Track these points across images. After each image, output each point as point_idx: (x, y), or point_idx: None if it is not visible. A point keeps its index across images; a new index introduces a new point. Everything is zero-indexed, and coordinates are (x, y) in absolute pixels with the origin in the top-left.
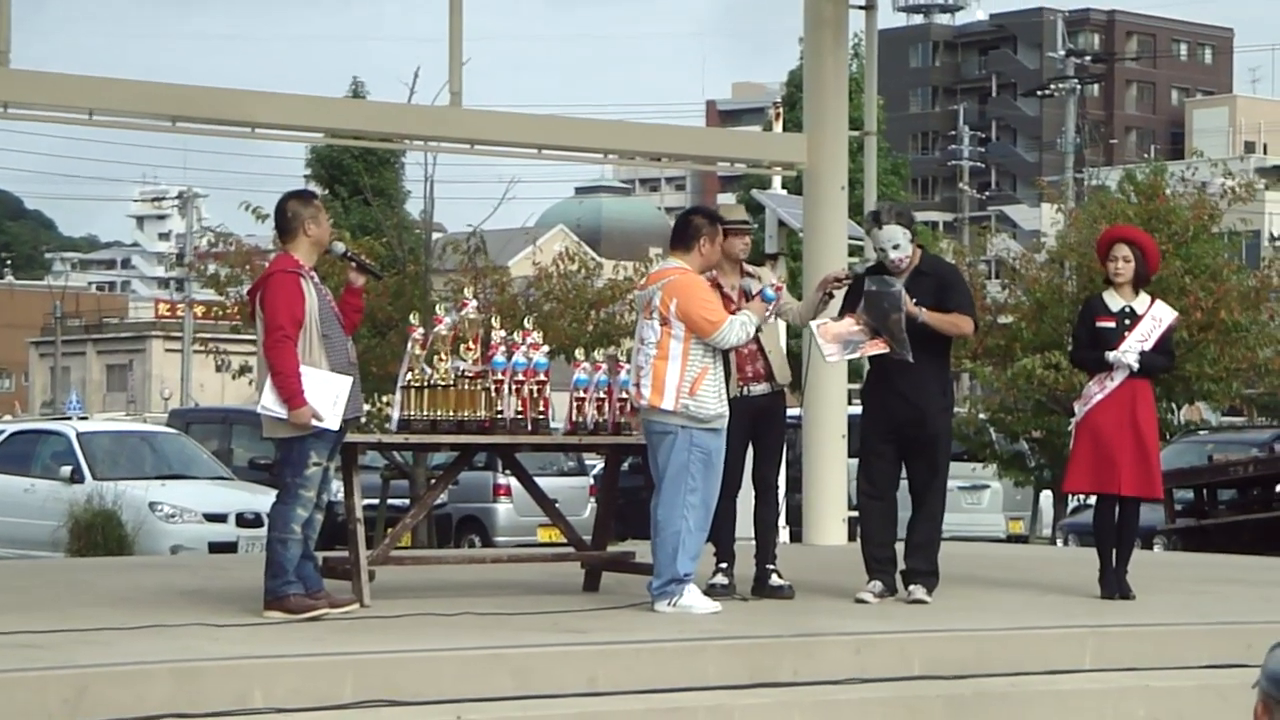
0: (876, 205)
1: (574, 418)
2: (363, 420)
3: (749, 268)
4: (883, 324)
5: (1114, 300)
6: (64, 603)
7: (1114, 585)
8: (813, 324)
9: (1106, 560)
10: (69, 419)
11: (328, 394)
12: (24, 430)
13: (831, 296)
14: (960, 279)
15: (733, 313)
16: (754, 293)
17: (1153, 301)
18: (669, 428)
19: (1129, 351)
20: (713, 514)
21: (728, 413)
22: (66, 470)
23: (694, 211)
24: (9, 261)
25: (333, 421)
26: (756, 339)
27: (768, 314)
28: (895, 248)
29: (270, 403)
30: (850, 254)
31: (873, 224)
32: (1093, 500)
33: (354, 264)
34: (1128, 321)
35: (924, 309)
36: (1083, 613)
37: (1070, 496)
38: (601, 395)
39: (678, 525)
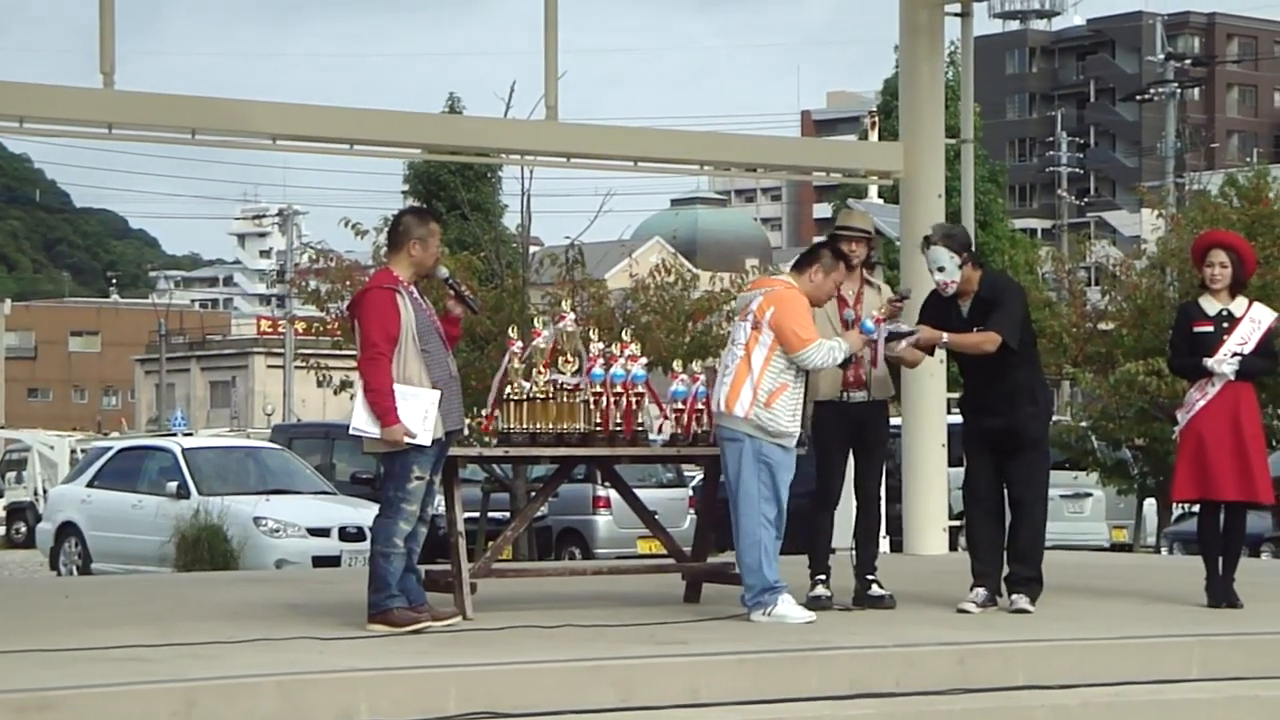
0: (931, 227)
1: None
2: (464, 434)
3: (869, 276)
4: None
5: (1210, 305)
6: (172, 617)
7: (1221, 594)
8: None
9: (1212, 568)
10: (174, 435)
11: (417, 410)
12: (131, 447)
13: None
14: (1010, 297)
15: (844, 320)
16: (852, 321)
17: (1250, 304)
18: (737, 435)
19: (1224, 361)
20: (785, 519)
21: (798, 433)
22: (173, 486)
23: (824, 244)
24: (114, 280)
25: (424, 437)
26: None
27: (862, 348)
28: (940, 270)
29: (362, 422)
30: None
31: (924, 245)
32: (1197, 508)
33: (453, 292)
34: (1225, 325)
35: (945, 334)
36: (1189, 622)
37: (1174, 504)
38: (700, 406)
39: (758, 534)
